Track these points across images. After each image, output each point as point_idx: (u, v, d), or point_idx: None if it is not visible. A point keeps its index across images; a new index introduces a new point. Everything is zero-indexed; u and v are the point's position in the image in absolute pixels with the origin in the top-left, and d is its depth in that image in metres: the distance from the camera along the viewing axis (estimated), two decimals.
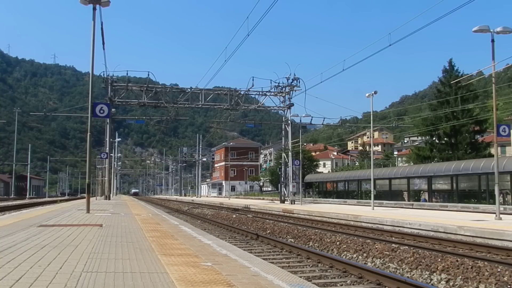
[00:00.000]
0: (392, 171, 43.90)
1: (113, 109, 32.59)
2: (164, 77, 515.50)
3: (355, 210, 24.26)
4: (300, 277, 6.26)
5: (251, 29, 25.56)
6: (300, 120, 36.59)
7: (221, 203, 43.50)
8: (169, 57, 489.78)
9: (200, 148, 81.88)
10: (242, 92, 35.29)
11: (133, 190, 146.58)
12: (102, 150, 42.45)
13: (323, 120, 44.46)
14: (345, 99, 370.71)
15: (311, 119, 36.25)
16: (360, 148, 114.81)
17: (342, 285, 7.40)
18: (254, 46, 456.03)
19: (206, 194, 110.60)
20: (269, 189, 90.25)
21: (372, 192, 26.42)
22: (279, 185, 41.66)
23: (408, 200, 38.68)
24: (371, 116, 26.70)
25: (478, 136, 47.43)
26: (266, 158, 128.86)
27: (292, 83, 35.05)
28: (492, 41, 16.30)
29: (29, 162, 79.86)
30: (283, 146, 39.25)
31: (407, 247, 10.79)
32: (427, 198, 37.80)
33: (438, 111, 46.80)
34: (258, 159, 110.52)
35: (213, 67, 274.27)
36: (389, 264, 9.22)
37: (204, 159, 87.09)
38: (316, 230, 14.98)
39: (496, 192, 16.37)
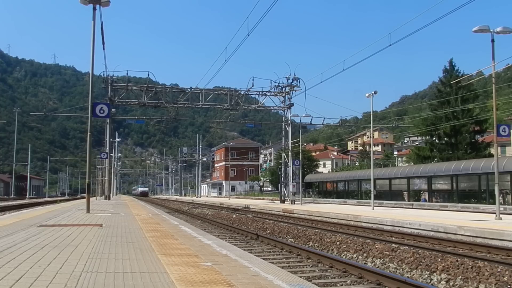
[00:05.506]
0: (392, 171, 43.89)
1: (113, 109, 32.60)
2: (164, 77, 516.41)
3: (355, 210, 24.25)
4: (300, 277, 6.26)
5: (251, 29, 25.53)
6: (300, 120, 36.62)
7: (221, 203, 43.49)
8: (169, 57, 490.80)
9: (200, 148, 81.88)
10: (242, 92, 35.29)
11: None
12: (102, 150, 42.46)
13: (323, 120, 44.45)
14: (345, 99, 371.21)
15: (311, 119, 36.31)
16: (360, 148, 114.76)
17: (342, 285, 7.40)
18: (254, 46, 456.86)
19: (206, 194, 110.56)
20: (269, 189, 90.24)
21: (372, 192, 26.41)
22: (279, 185, 41.65)
23: (408, 200, 38.67)
24: (371, 116, 26.70)
25: (478, 136, 47.43)
26: (266, 158, 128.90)
27: (292, 83, 35.07)
28: (492, 41, 16.30)
29: (29, 162, 79.87)
30: (283, 146, 39.24)
31: (407, 247, 10.79)
32: (427, 198, 37.79)
33: (438, 111, 46.82)
34: (258, 159, 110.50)
35: (213, 67, 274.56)
36: (389, 264, 9.22)
37: (204, 159, 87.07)
38: (316, 230, 14.98)
39: (496, 192, 16.36)
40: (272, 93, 35.89)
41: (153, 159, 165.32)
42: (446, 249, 10.66)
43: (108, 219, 12.93)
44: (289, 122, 36.95)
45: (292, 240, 13.54)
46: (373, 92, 25.27)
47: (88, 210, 15.44)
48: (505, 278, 7.28)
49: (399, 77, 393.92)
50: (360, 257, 10.19)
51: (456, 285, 7.42)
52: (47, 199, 65.03)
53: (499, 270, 7.78)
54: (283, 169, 37.70)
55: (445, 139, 47.41)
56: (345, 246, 11.40)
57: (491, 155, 41.20)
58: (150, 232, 9.44)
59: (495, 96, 17.69)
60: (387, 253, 9.97)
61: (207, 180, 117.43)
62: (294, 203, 34.41)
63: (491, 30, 16.15)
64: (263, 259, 7.77)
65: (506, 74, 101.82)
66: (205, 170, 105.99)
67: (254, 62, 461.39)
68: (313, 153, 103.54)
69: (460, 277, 7.62)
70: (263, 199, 59.39)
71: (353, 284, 7.42)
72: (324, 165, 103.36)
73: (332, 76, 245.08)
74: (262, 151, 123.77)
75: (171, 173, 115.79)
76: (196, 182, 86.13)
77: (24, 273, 4.52)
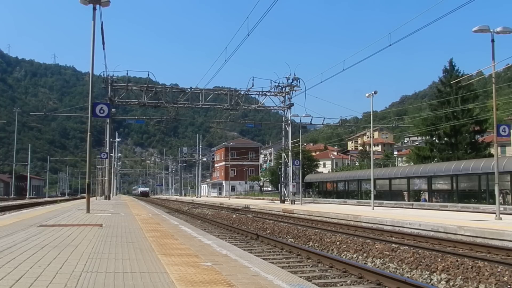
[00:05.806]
0: (392, 171, 43.89)
1: (113, 109, 32.59)
2: (164, 77, 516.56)
3: (355, 210, 24.25)
4: (300, 277, 6.26)
5: (251, 29, 25.52)
6: (300, 120, 36.62)
7: (221, 203, 43.49)
8: (169, 57, 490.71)
9: (200, 148, 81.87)
10: (242, 92, 35.29)
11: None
12: (102, 150, 42.47)
13: (323, 120, 44.53)
14: (345, 99, 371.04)
15: (311, 119, 36.30)
16: (360, 148, 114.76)
17: (342, 285, 7.40)
18: (254, 46, 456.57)
19: (206, 194, 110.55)
20: (269, 189, 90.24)
21: (372, 192, 26.41)
22: (279, 185, 41.65)
23: (408, 200, 38.67)
24: (371, 116, 26.71)
25: (478, 136, 47.44)
26: (266, 158, 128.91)
27: (292, 83, 35.06)
28: (492, 41, 16.30)
29: (29, 162, 79.86)
30: (283, 146, 39.23)
31: (407, 247, 10.79)
32: (427, 198, 37.79)
33: (438, 111, 46.83)
34: (258, 159, 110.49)
35: (213, 67, 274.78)
36: (389, 264, 9.22)
37: (204, 159, 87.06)
38: (316, 230, 14.98)
39: (496, 192, 16.36)
40: (272, 93, 35.89)
41: (153, 159, 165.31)
42: (446, 249, 10.66)
43: (108, 219, 12.93)
44: (289, 122, 36.95)
45: (292, 240, 13.54)
46: (373, 92, 25.27)
47: (88, 210, 15.44)
48: (505, 278, 7.28)
49: (399, 77, 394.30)
50: (360, 257, 10.19)
51: (456, 285, 7.42)
52: (47, 199, 65.03)
53: (499, 270, 7.78)
54: (283, 169, 37.70)
55: (445, 139, 47.41)
56: (345, 246, 11.40)
57: (491, 155, 41.20)
58: (150, 232, 9.44)
59: (495, 96, 17.69)
60: (387, 253, 9.97)
61: (207, 180, 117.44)
62: (294, 203, 34.41)
63: (491, 30, 16.15)
64: (263, 259, 7.77)
65: (506, 74, 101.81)
66: (205, 170, 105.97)
67: (254, 62, 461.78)
68: (313, 153, 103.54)
69: (460, 277, 7.62)
70: (263, 199, 59.39)
71: (353, 284, 7.42)
72: (324, 165, 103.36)
73: (332, 76, 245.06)
74: (262, 151, 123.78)
75: (171, 173, 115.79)
76: (196, 182, 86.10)
77: (24, 273, 4.52)
